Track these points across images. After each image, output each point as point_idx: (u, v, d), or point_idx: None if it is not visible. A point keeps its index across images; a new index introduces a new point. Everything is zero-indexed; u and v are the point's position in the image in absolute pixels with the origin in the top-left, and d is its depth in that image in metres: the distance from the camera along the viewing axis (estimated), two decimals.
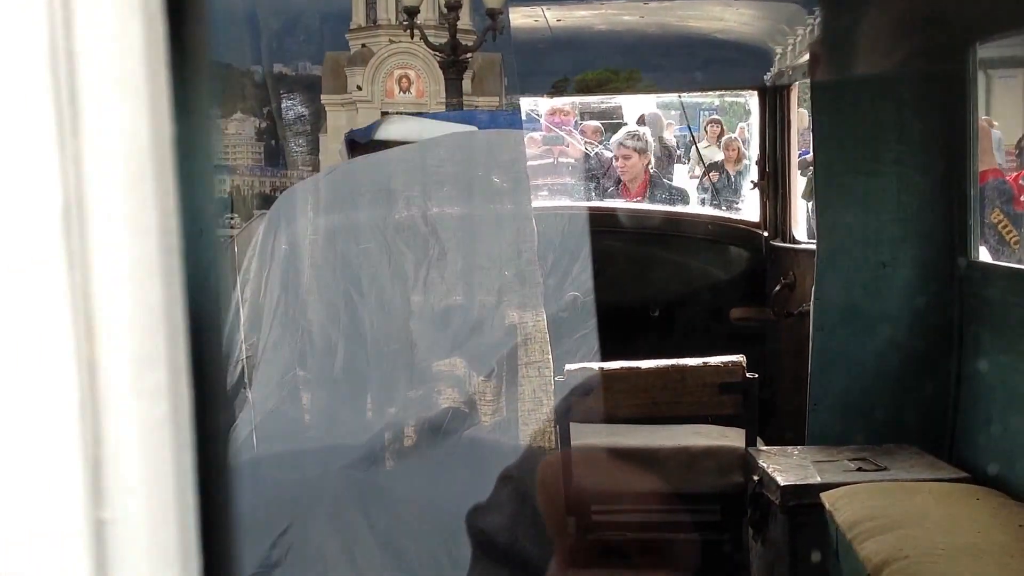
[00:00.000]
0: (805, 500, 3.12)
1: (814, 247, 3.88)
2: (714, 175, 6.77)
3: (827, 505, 3.05)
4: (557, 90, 4.93)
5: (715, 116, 7.19)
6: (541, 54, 4.38)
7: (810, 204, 4.35)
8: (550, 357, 3.28)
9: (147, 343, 0.36)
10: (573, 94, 5.23)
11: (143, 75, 0.35)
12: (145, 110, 0.35)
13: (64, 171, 0.35)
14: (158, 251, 0.36)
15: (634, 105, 7.36)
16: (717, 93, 5.96)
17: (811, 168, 3.95)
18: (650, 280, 4.44)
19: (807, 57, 3.68)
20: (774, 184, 4.27)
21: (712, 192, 6.33)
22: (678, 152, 8.22)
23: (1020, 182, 3.86)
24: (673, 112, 7.48)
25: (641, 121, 6.68)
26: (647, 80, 4.75)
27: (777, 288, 4.19)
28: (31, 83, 0.34)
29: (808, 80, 3.91)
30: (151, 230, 0.36)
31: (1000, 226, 3.76)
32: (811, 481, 3.18)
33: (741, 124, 7.14)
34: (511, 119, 4.03)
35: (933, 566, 2.56)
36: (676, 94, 5.36)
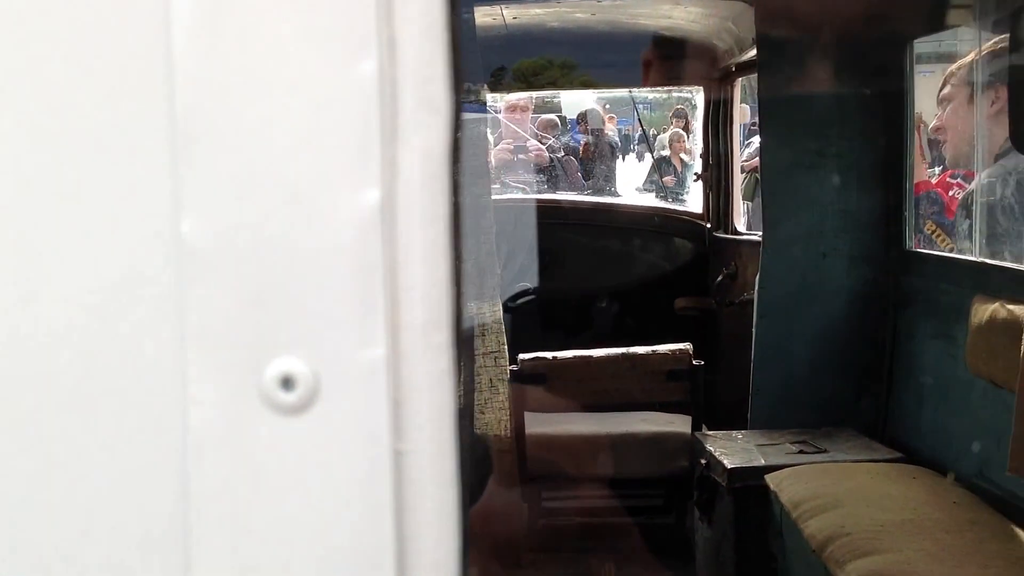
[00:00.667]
0: (750, 482, 3.29)
1: (755, 238, 4.06)
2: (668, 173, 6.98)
3: (771, 486, 3.22)
4: (495, 79, 5.04)
5: (679, 107, 7.38)
6: (493, 49, 4.49)
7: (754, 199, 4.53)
8: (506, 347, 3.40)
9: (434, 310, 0.47)
10: (511, 84, 5.35)
11: (443, 97, 0.46)
12: (443, 125, 0.46)
13: (383, 171, 0.46)
14: (445, 236, 0.48)
15: (575, 100, 7.50)
16: (664, 88, 6.12)
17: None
18: (597, 271, 4.58)
19: (752, 54, 3.84)
20: (717, 177, 4.44)
21: (659, 184, 6.53)
22: (630, 145, 8.42)
23: (949, 194, 4.10)
24: (625, 107, 7.66)
25: (582, 117, 6.84)
26: (595, 74, 4.89)
27: (720, 278, 4.36)
28: (367, 105, 0.45)
29: (752, 77, 4.08)
30: (439, 219, 0.47)
31: (935, 235, 4.00)
32: (756, 463, 3.34)
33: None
34: (478, 111, 4.15)
35: (874, 542, 2.73)
36: (625, 89, 5.51)
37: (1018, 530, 2.79)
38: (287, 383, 0.49)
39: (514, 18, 3.92)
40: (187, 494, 0.50)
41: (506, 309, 3.67)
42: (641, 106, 7.72)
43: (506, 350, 3.39)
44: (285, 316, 0.49)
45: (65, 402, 0.51)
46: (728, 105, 4.31)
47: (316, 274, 0.49)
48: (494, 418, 3.48)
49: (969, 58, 3.39)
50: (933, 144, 4.12)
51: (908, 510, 2.95)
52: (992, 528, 2.84)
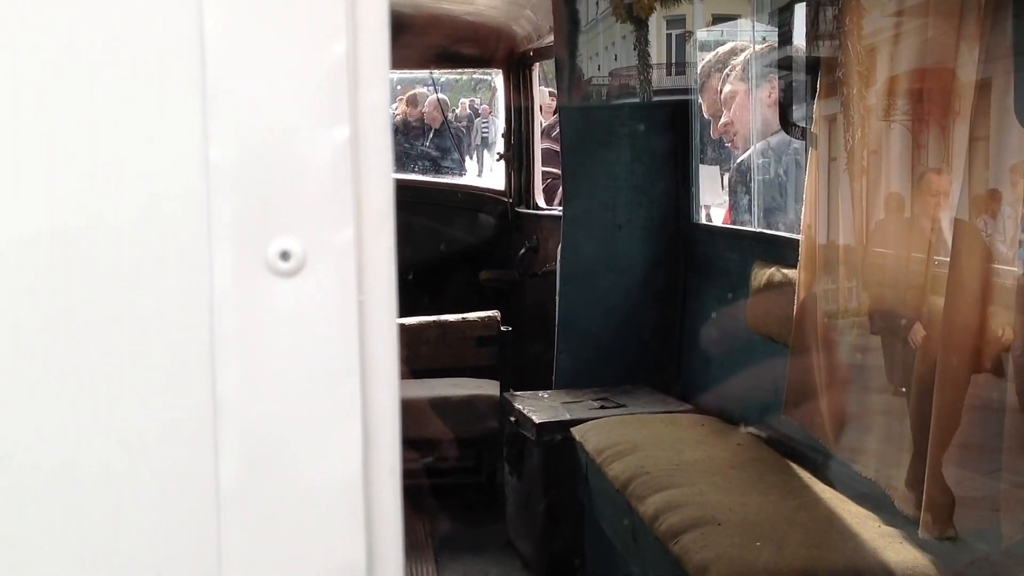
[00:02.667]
0: (557, 435, 3.61)
1: (555, 213, 4.40)
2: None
3: (577, 437, 3.56)
4: None
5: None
6: None
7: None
8: None
9: (384, 205, 0.71)
10: None
11: (385, 69, 0.70)
12: (385, 86, 0.71)
13: (350, 115, 0.70)
14: (389, 161, 0.71)
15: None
16: (465, 71, 6.40)
17: None
18: (406, 246, 4.81)
19: (550, 39, 4.17)
20: (518, 155, 4.76)
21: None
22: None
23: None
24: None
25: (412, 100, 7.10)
26: (399, 54, 5.10)
27: (522, 251, 4.69)
28: (339, 73, 0.68)
29: (550, 60, 4.41)
30: (386, 149, 0.71)
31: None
32: (562, 418, 3.68)
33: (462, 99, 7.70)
34: None
35: (670, 478, 3.10)
36: (428, 71, 5.76)
37: (791, 464, 3.22)
38: (285, 256, 0.72)
39: None
40: (212, 338, 0.73)
41: None
42: (439, 88, 8.03)
43: None
44: (283, 210, 0.72)
45: (111, 284, 0.72)
46: (527, 88, 4.64)
47: (305, 181, 0.72)
48: None
49: (743, 57, 3.82)
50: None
51: (699, 451, 3.34)
52: (770, 464, 3.26)
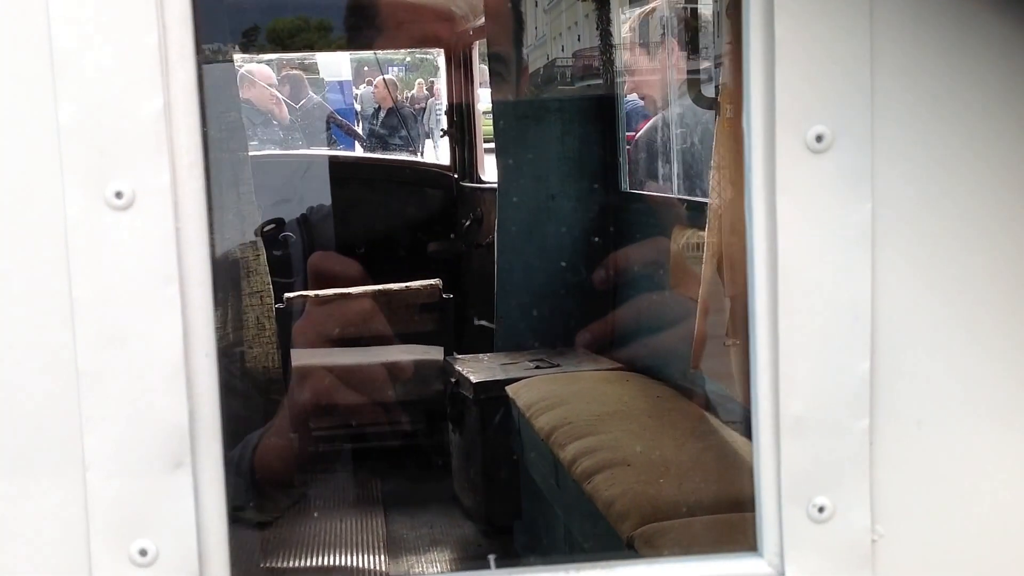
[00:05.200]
0: (493, 393, 3.91)
1: (496, 186, 4.68)
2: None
3: (511, 395, 3.85)
4: (248, 39, 5.40)
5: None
6: (242, 12, 4.90)
7: None
8: (271, 287, 3.88)
9: (193, 155, 0.99)
10: (265, 46, 5.73)
11: (189, 53, 0.99)
12: (191, 67, 0.99)
13: (163, 90, 0.98)
14: (197, 116, 0.99)
15: (331, 63, 7.97)
16: (408, 50, 6.67)
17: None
18: (357, 220, 5.10)
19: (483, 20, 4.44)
20: (461, 131, 5.04)
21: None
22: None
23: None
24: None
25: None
26: (340, 35, 5.35)
27: (467, 223, 4.97)
28: (153, 58, 0.96)
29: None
30: (193, 107, 0.99)
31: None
32: (498, 378, 3.98)
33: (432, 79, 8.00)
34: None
35: (590, 427, 3.39)
36: (371, 51, 6.02)
37: (706, 413, 3.52)
38: (119, 195, 1.01)
39: None
40: (68, 256, 1.01)
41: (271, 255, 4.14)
42: (397, 68, 8.34)
43: (271, 289, 3.86)
44: (117, 160, 1.00)
45: None
46: (468, 66, 4.91)
47: (132, 138, 1.01)
48: (262, 352, 3.96)
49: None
50: None
51: (620, 404, 3.64)
52: (685, 412, 3.56)
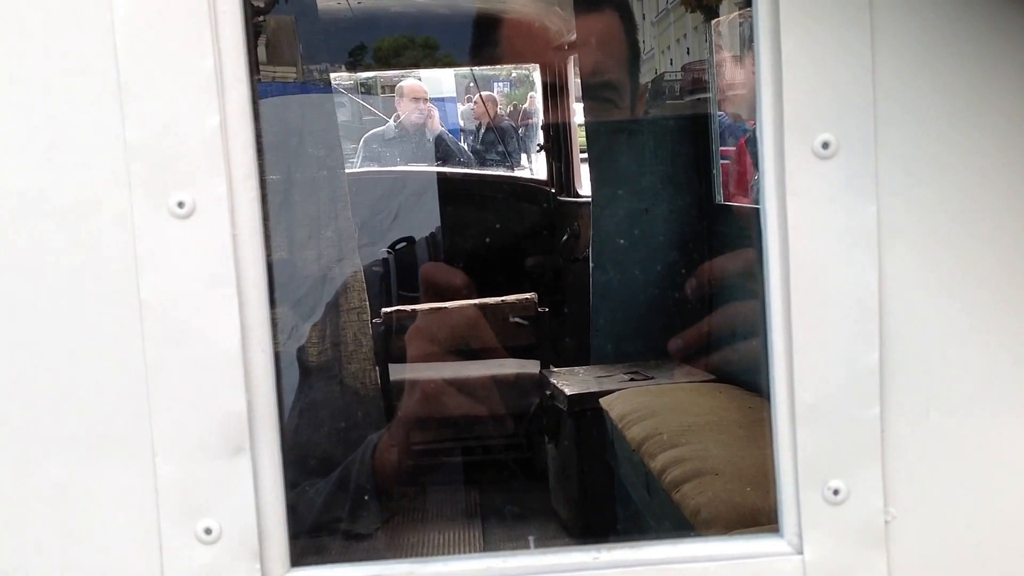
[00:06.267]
0: (587, 405, 4.00)
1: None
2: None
3: (604, 407, 3.93)
4: (354, 58, 5.59)
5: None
6: (342, 30, 5.09)
7: None
8: (367, 303, 4.03)
9: (249, 167, 1.12)
10: (371, 64, 5.93)
11: (243, 75, 1.11)
12: (245, 89, 1.12)
13: (219, 110, 1.11)
14: (251, 142, 1.12)
15: (436, 79, 8.15)
16: (504, 66, 6.81)
17: None
18: (460, 234, 5.24)
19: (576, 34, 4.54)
20: (557, 146, 5.14)
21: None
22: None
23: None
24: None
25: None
26: (444, 52, 5.51)
27: (565, 237, 5.07)
28: (208, 79, 1.09)
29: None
30: (248, 128, 1.12)
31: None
32: (592, 390, 4.06)
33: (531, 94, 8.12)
34: (322, 91, 4.72)
35: (680, 438, 3.45)
36: (469, 67, 6.17)
37: None
38: (180, 204, 1.13)
39: (358, 2, 4.54)
40: (135, 261, 1.14)
41: (369, 272, 4.30)
42: (502, 84, 8.49)
43: (367, 305, 4.01)
44: (178, 173, 1.13)
45: (63, 228, 1.14)
46: (563, 81, 5.01)
47: (192, 153, 1.13)
48: (359, 368, 4.10)
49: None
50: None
51: (711, 414, 3.69)
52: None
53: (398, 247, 4.72)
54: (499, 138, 7.18)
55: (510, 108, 8.52)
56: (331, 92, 4.82)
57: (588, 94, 4.31)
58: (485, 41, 5.09)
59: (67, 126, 1.12)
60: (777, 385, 1.08)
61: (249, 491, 1.13)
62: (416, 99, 7.29)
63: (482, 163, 7.57)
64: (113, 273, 1.13)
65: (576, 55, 5.05)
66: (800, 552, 1.09)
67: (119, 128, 1.11)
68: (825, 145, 1.05)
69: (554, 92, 5.06)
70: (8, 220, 1.13)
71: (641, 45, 4.18)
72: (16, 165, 1.12)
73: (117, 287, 1.13)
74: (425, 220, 4.88)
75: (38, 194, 1.13)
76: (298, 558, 1.17)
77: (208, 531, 1.13)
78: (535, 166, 6.65)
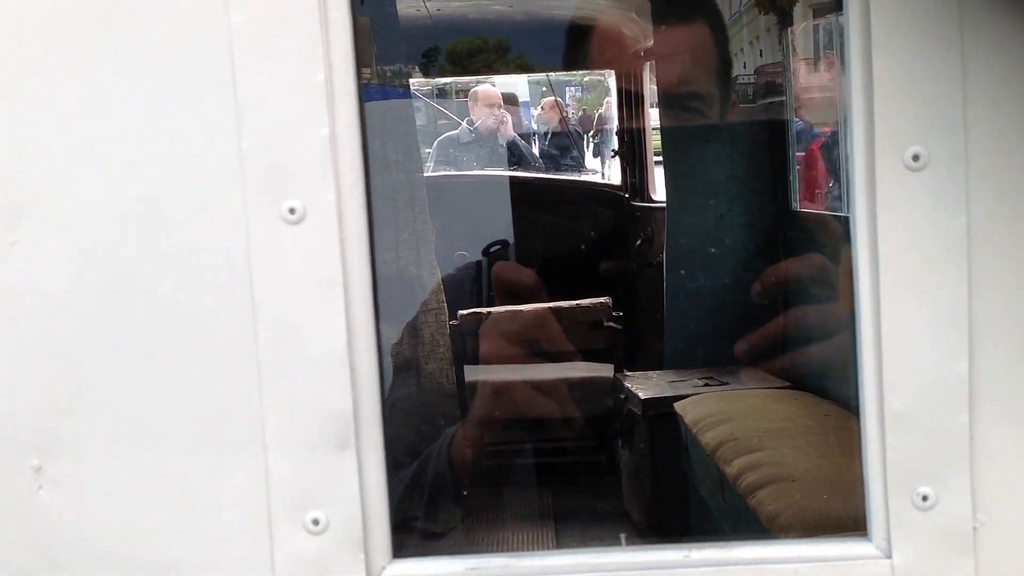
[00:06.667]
0: (661, 410, 4.01)
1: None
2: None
3: (678, 411, 3.94)
4: (428, 60, 5.65)
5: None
6: (419, 38, 5.17)
7: None
8: (445, 304, 4.09)
9: (355, 174, 1.18)
10: (444, 66, 5.99)
11: (351, 86, 1.16)
12: (353, 99, 1.17)
13: (328, 120, 1.17)
14: (359, 154, 1.18)
15: (509, 84, 8.22)
16: (580, 72, 6.85)
17: None
18: (531, 239, 5.28)
19: (652, 41, 4.56)
20: (632, 151, 5.16)
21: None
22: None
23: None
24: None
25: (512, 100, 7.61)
26: (517, 55, 5.56)
27: (638, 242, 5.09)
28: (319, 91, 1.15)
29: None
30: (356, 140, 1.17)
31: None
32: (666, 395, 4.07)
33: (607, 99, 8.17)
34: (402, 96, 4.81)
35: (755, 443, 3.46)
36: (544, 74, 6.22)
37: None
38: (292, 211, 1.19)
39: (438, 9, 4.61)
40: (249, 264, 1.20)
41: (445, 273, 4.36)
42: (574, 88, 8.54)
43: (445, 307, 4.07)
44: (290, 181, 1.19)
45: (184, 233, 1.21)
46: (638, 87, 5.03)
47: (303, 162, 1.19)
48: (437, 368, 4.16)
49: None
50: None
51: (786, 421, 3.69)
52: (851, 430, 3.57)
53: (492, 251, 4.79)
54: (572, 142, 7.23)
55: (580, 113, 8.57)
56: (410, 96, 4.89)
57: (670, 103, 4.33)
58: (560, 47, 5.13)
59: (186, 137, 1.18)
60: (866, 392, 1.10)
61: (354, 485, 1.18)
62: (490, 105, 7.37)
63: (551, 168, 7.62)
64: (228, 276, 1.19)
65: (651, 62, 5.07)
66: (888, 556, 1.12)
67: (235, 139, 1.17)
68: (916, 157, 1.08)
69: (629, 98, 5.08)
70: (131, 226, 1.19)
71: (732, 55, 4.17)
72: (138, 174, 1.19)
73: (232, 290, 1.19)
74: (502, 225, 4.94)
75: (159, 201, 1.19)
76: (397, 550, 1.22)
77: (316, 522, 1.18)
78: (608, 171, 6.69)
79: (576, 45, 5.01)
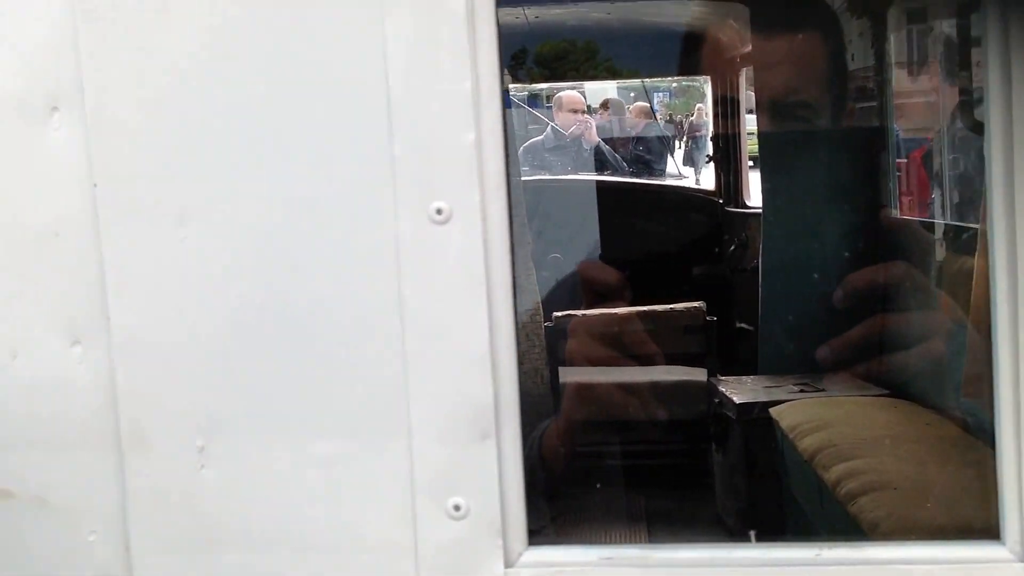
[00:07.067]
0: (757, 414, 4.01)
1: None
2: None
3: (774, 416, 3.94)
4: (516, 63, 5.68)
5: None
6: (516, 44, 5.22)
7: None
8: (540, 306, 4.14)
9: (498, 178, 1.23)
10: (534, 72, 6.03)
11: (496, 93, 1.21)
12: (498, 105, 1.22)
13: (474, 126, 1.22)
14: (501, 158, 1.23)
15: (596, 89, 8.25)
16: (675, 78, 6.86)
17: None
18: (624, 243, 5.31)
19: (751, 48, 4.56)
20: (727, 157, 5.17)
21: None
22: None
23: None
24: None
25: (605, 105, 7.64)
26: (612, 63, 5.59)
27: (732, 248, 5.09)
28: (465, 101, 1.20)
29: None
30: (499, 145, 1.22)
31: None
32: (761, 400, 4.07)
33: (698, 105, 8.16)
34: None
35: (855, 450, 3.45)
36: (639, 79, 6.24)
37: (977, 441, 3.49)
38: (439, 211, 1.24)
39: (536, 17, 4.66)
40: (398, 262, 1.26)
41: (540, 276, 4.41)
42: (662, 94, 8.56)
43: (540, 308, 4.12)
44: (437, 183, 1.24)
45: (340, 230, 1.26)
46: (735, 93, 5.04)
47: (450, 165, 1.24)
48: (532, 368, 4.21)
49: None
50: None
51: (886, 428, 3.67)
52: (953, 440, 3.54)
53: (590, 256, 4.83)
54: (660, 148, 7.24)
55: (667, 119, 8.57)
56: (510, 102, 4.96)
57: (771, 111, 4.32)
58: (655, 53, 5.15)
59: (340, 142, 1.24)
60: (1002, 401, 1.12)
61: (494, 474, 1.23)
62: (574, 110, 7.41)
63: (640, 173, 7.63)
64: (378, 272, 1.25)
65: (748, 68, 5.06)
66: (1023, 560, 1.13)
67: (387, 143, 1.23)
68: None
69: (724, 104, 5.09)
70: (287, 224, 1.26)
71: (849, 62, 4.13)
72: (294, 176, 1.25)
73: (381, 285, 1.24)
74: (595, 230, 4.97)
75: (312, 201, 1.25)
76: (531, 538, 1.26)
77: (457, 508, 1.23)
78: (700, 176, 6.69)
79: (674, 51, 5.03)
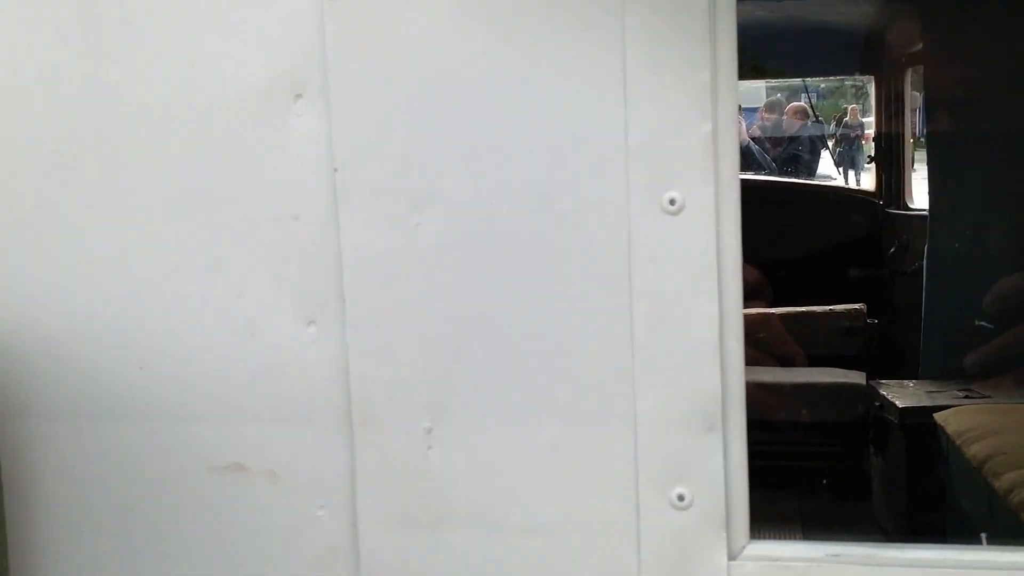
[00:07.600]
0: (920, 420, 3.90)
1: (924, 213, 4.63)
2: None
3: (939, 422, 3.82)
4: None
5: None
6: None
7: None
8: None
9: (731, 171, 1.22)
10: None
11: (732, 88, 1.20)
12: (734, 99, 1.21)
13: (712, 119, 1.21)
14: (735, 150, 1.22)
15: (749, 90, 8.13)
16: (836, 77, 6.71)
17: None
18: (782, 243, 5.22)
19: (919, 47, 4.43)
20: (889, 158, 5.03)
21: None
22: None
23: None
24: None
25: (770, 108, 7.53)
26: (772, 64, 5.50)
27: (892, 250, 4.95)
28: (704, 94, 1.19)
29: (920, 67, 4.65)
30: (733, 134, 1.20)
31: None
32: (925, 404, 3.95)
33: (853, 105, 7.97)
34: None
35: None
36: (799, 79, 6.13)
37: None
38: (672, 202, 1.23)
39: None
40: (629, 251, 1.25)
41: None
42: (812, 94, 8.37)
43: None
44: (671, 173, 1.23)
45: (572, 219, 1.26)
46: (900, 93, 4.90)
47: (684, 156, 1.23)
48: None
49: None
50: None
51: None
52: None
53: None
54: (817, 146, 7.10)
55: (813, 119, 8.40)
56: None
57: (950, 111, 4.19)
58: (822, 53, 5.05)
59: (575, 131, 1.24)
60: None
61: (719, 466, 1.22)
62: None
63: (791, 172, 7.49)
64: (608, 260, 1.24)
65: (915, 67, 4.92)
66: None
67: (622, 133, 1.23)
68: None
69: (889, 103, 4.95)
70: (519, 212, 1.26)
71: None
72: (527, 166, 1.26)
73: (612, 274, 1.24)
74: (758, 230, 4.90)
75: (545, 191, 1.26)
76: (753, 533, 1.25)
77: (681, 498, 1.23)
78: (859, 177, 6.54)
79: (837, 50, 4.92)
